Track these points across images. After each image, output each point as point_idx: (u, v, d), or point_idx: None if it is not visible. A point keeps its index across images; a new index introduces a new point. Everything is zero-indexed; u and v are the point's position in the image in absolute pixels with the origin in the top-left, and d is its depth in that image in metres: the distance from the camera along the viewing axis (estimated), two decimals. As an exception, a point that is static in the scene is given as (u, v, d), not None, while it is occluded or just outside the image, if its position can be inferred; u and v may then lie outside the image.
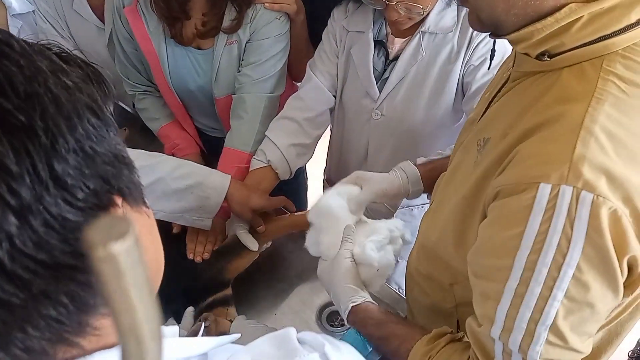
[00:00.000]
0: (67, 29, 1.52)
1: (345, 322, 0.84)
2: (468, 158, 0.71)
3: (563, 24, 0.57)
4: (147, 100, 1.48)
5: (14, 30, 1.52)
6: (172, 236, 1.21)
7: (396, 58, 1.16)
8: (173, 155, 1.44)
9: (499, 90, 0.72)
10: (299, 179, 1.66)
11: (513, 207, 0.58)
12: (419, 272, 0.84)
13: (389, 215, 1.13)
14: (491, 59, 0.84)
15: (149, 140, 1.59)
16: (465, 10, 1.10)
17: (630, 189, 0.53)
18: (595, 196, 0.53)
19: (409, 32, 1.14)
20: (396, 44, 1.16)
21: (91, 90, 0.34)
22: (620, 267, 0.55)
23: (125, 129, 1.60)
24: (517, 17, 0.60)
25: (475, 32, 1.09)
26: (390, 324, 0.80)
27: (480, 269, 0.65)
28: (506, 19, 0.61)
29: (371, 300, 0.84)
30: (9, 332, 0.30)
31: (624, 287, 0.58)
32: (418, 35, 1.12)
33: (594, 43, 0.58)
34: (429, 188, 0.97)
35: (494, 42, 0.83)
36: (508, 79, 0.70)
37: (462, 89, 1.15)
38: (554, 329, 0.58)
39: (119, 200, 0.34)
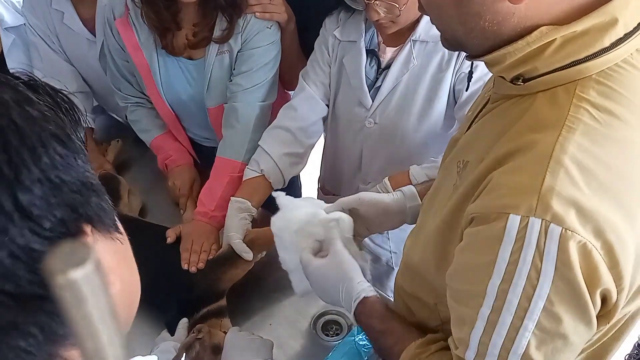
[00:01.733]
0: (57, 42, 1.51)
1: (352, 312, 0.83)
2: (448, 180, 0.71)
3: (534, 47, 0.56)
4: (139, 112, 1.48)
5: (6, 43, 1.52)
6: (166, 246, 1.21)
7: (388, 67, 1.16)
8: (166, 166, 1.46)
9: (480, 111, 0.71)
10: (293, 187, 1.66)
11: (484, 236, 0.58)
12: (404, 291, 0.84)
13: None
14: (468, 80, 0.85)
15: (142, 152, 1.59)
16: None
17: (601, 221, 0.52)
18: (564, 230, 0.52)
19: (400, 41, 1.15)
20: (388, 52, 1.17)
21: (58, 119, 0.34)
22: (592, 300, 0.55)
23: (118, 141, 1.59)
24: (478, 40, 0.60)
25: None
26: (393, 320, 0.81)
27: (456, 293, 0.65)
28: (468, 42, 0.61)
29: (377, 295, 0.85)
30: None
31: (600, 317, 0.57)
32: (409, 44, 1.13)
33: (567, 67, 0.57)
34: None
35: (472, 64, 0.84)
36: (489, 100, 0.69)
37: (454, 96, 1.15)
38: (526, 358, 0.57)
39: (87, 228, 0.34)
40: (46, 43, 1.51)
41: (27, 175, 0.30)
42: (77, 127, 0.35)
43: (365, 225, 0.99)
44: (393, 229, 1.02)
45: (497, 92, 0.66)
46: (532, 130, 0.57)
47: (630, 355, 1.03)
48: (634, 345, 1.11)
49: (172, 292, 1.14)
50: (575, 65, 0.56)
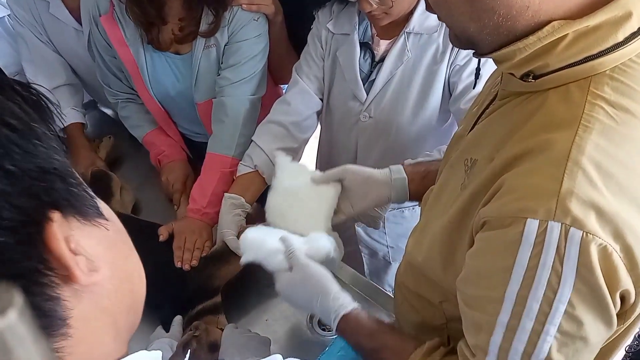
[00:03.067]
0: (45, 33, 1.49)
1: (333, 329, 0.81)
2: (455, 178, 0.70)
3: (546, 42, 0.55)
4: (129, 108, 1.47)
5: None
6: (159, 243, 1.20)
7: (382, 59, 1.15)
8: (159, 162, 1.44)
9: (487, 107, 0.70)
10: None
11: (500, 241, 0.57)
12: (407, 288, 0.83)
13: (378, 219, 1.12)
14: (476, 77, 0.82)
15: (134, 148, 1.58)
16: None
17: (620, 223, 0.52)
18: (585, 233, 0.51)
19: (394, 33, 1.13)
20: (382, 45, 1.15)
21: (17, 109, 0.33)
22: (612, 300, 0.54)
23: (110, 137, 1.58)
24: (491, 37, 0.58)
25: None
26: (383, 334, 0.78)
27: (470, 299, 0.63)
28: (480, 39, 0.59)
29: (358, 306, 0.82)
30: None
31: (617, 316, 0.57)
32: (403, 36, 1.12)
33: (580, 64, 0.55)
34: (416, 193, 0.95)
35: (479, 61, 0.81)
36: (496, 96, 0.68)
37: (448, 89, 1.14)
38: None
39: (54, 215, 0.33)
40: (33, 34, 1.49)
41: None
42: (46, 118, 0.35)
43: (350, 200, 0.97)
44: (377, 205, 1.00)
45: (505, 89, 0.65)
46: (546, 130, 0.56)
47: (630, 347, 1.04)
48: (634, 336, 1.12)
49: (166, 289, 1.13)
50: (588, 61, 0.55)
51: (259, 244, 0.91)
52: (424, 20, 1.10)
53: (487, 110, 0.69)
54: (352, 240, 1.40)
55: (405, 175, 0.94)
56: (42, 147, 0.33)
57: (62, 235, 0.33)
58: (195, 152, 1.50)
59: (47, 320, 0.32)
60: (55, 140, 0.35)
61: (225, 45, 1.26)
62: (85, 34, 1.39)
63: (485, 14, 0.56)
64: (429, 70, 1.13)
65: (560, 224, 0.52)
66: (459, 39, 0.63)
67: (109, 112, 1.79)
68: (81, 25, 1.43)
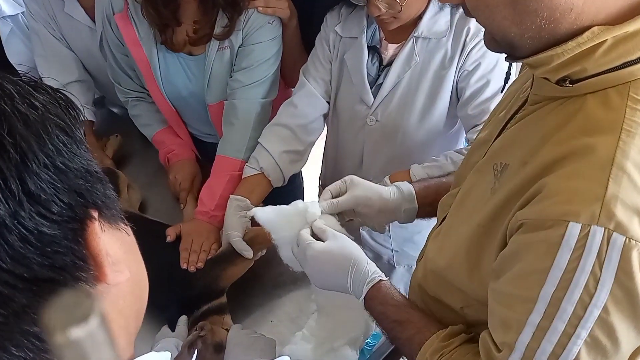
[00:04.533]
0: (59, 30, 1.52)
1: (362, 296, 0.81)
2: (483, 183, 0.70)
3: (585, 48, 0.55)
4: (140, 107, 1.48)
5: (4, 32, 1.53)
6: (166, 244, 1.21)
7: (390, 63, 1.16)
8: (168, 160, 1.46)
9: (516, 112, 0.70)
10: (295, 183, 1.65)
11: (539, 242, 0.57)
12: (425, 292, 0.83)
13: (382, 223, 1.13)
14: (506, 81, 0.82)
15: (142, 146, 1.60)
16: (458, 14, 1.11)
17: None
18: (627, 239, 0.52)
19: (402, 37, 1.14)
20: (390, 49, 1.16)
21: (59, 112, 0.35)
22: None
23: (117, 136, 1.60)
24: (532, 41, 0.58)
25: (469, 36, 1.09)
26: (410, 309, 0.79)
27: (502, 297, 0.64)
28: (521, 42, 0.59)
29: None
30: None
31: None
32: (411, 41, 1.12)
33: (619, 69, 0.55)
34: (424, 216, 0.97)
35: (510, 65, 0.80)
36: (526, 100, 0.68)
37: (456, 94, 1.15)
38: None
39: (95, 214, 0.35)
40: (47, 30, 1.51)
41: (33, 158, 0.31)
42: (76, 123, 0.36)
43: (363, 220, 0.99)
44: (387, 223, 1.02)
45: (537, 94, 0.65)
46: (586, 134, 0.56)
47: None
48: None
49: (172, 289, 1.14)
50: (627, 66, 0.55)
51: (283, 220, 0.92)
52: (432, 24, 1.11)
53: (517, 116, 0.69)
54: (357, 243, 1.41)
55: (416, 205, 0.96)
56: (83, 149, 0.36)
57: (99, 235, 0.35)
58: (205, 152, 1.52)
59: None
60: (86, 144, 0.37)
61: (239, 48, 1.27)
62: (97, 33, 1.42)
63: (528, 17, 0.56)
64: (436, 75, 1.13)
65: (603, 228, 0.52)
66: (498, 43, 0.62)
67: (116, 110, 1.81)
68: (95, 23, 1.45)
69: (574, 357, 0.57)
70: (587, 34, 0.55)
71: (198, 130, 1.54)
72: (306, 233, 0.88)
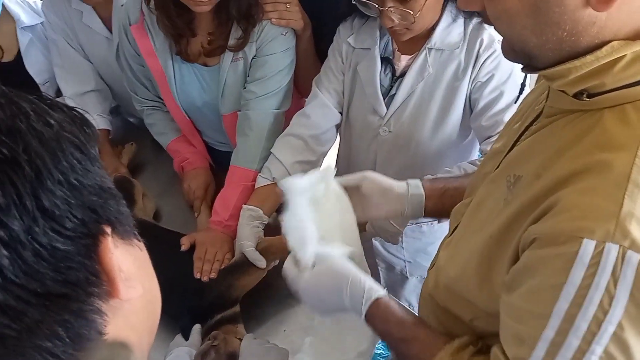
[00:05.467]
0: (76, 40, 1.55)
1: (363, 315, 0.78)
2: (496, 194, 0.70)
3: (603, 62, 0.55)
4: (155, 116, 1.51)
5: (23, 42, 1.57)
6: (180, 252, 1.23)
7: (403, 75, 1.17)
8: (182, 169, 1.48)
9: (531, 124, 0.70)
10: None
11: (553, 258, 0.57)
12: (435, 302, 0.82)
13: (396, 235, 1.14)
14: (520, 92, 0.83)
15: (156, 155, 1.62)
16: (471, 26, 1.12)
17: None
18: None
19: (415, 49, 1.15)
20: (402, 60, 1.17)
21: (73, 130, 0.36)
22: None
23: (132, 144, 1.62)
24: (552, 52, 0.58)
25: (482, 48, 1.10)
26: (414, 325, 0.77)
27: (515, 311, 0.63)
28: (540, 53, 0.59)
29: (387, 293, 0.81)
30: None
31: None
32: (424, 52, 1.13)
33: (638, 84, 0.55)
34: (432, 210, 0.96)
35: (525, 76, 0.80)
36: (541, 112, 0.68)
37: (469, 105, 1.15)
38: None
39: (108, 229, 0.36)
40: (65, 41, 1.55)
41: (47, 175, 0.32)
42: (91, 141, 0.37)
43: (363, 207, 0.96)
44: (389, 217, 1.00)
45: (553, 106, 0.65)
46: (602, 150, 0.56)
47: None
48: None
49: (185, 298, 1.16)
50: None
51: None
52: (445, 36, 1.12)
53: (532, 128, 0.69)
54: (369, 253, 1.41)
55: (422, 191, 0.95)
56: (97, 166, 0.37)
57: (113, 250, 0.36)
58: (219, 161, 1.53)
59: (89, 331, 0.34)
60: (100, 162, 0.38)
61: (252, 59, 1.29)
62: (114, 44, 1.45)
63: (549, 29, 0.56)
64: (450, 86, 1.14)
65: (618, 245, 0.52)
66: (516, 53, 0.62)
67: (132, 119, 1.84)
68: (112, 34, 1.48)
69: None
70: (606, 48, 0.55)
71: (212, 139, 1.55)
72: (291, 265, 0.86)
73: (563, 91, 0.61)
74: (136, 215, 1.35)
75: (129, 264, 0.38)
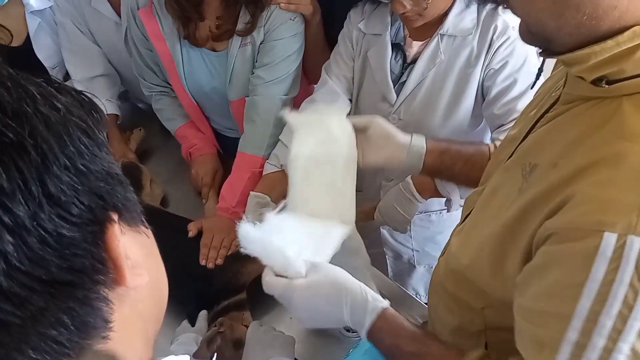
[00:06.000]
0: (85, 24, 1.55)
1: (366, 328, 0.74)
2: (510, 182, 0.69)
3: (624, 48, 0.54)
4: (163, 101, 1.51)
5: (32, 27, 1.57)
6: (188, 239, 1.24)
7: (414, 61, 1.15)
8: (190, 155, 1.48)
9: (547, 111, 0.69)
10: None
11: (572, 254, 0.55)
12: (445, 290, 0.81)
13: (404, 223, 1.13)
14: (537, 77, 0.80)
15: (164, 140, 1.63)
16: (485, 12, 1.10)
17: None
18: None
19: (427, 35, 1.13)
20: (414, 47, 1.16)
21: (81, 114, 0.35)
22: None
23: (140, 129, 1.63)
24: (570, 37, 0.57)
25: (496, 34, 1.08)
26: (426, 339, 0.74)
27: (532, 315, 0.62)
28: (558, 37, 0.58)
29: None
30: (7, 354, 0.30)
31: None
32: (436, 38, 1.12)
33: None
34: (430, 167, 0.95)
35: (543, 60, 0.77)
36: (557, 99, 0.67)
37: (482, 93, 1.13)
38: None
39: (115, 216, 0.35)
40: (74, 25, 1.55)
41: (54, 160, 0.31)
42: (99, 126, 0.37)
43: (363, 149, 0.93)
44: (387, 164, 0.97)
45: (570, 93, 0.64)
46: (621, 140, 0.55)
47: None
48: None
49: (192, 284, 1.16)
50: None
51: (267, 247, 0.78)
52: (458, 22, 1.10)
53: (548, 115, 0.68)
54: (377, 242, 1.41)
55: (424, 144, 0.95)
56: (105, 151, 0.36)
57: (119, 237, 0.35)
58: (227, 147, 1.54)
59: (94, 320, 0.34)
60: (107, 147, 0.37)
61: (260, 44, 1.28)
62: (123, 28, 1.44)
63: (568, 12, 0.55)
64: (462, 73, 1.12)
65: None
66: (534, 36, 0.61)
67: (140, 105, 1.84)
68: (121, 19, 1.48)
69: None
70: (628, 33, 0.53)
71: (220, 124, 1.55)
72: (272, 276, 0.79)
73: (581, 77, 0.60)
74: (143, 201, 1.36)
75: (135, 251, 0.37)
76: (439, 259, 0.89)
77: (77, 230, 0.32)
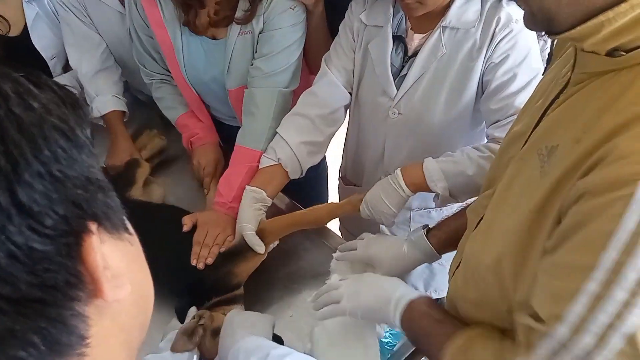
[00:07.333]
0: (87, 16, 1.56)
1: (399, 314, 0.85)
2: (528, 170, 0.69)
3: (639, 10, 0.53)
4: (163, 89, 1.52)
5: (30, 16, 1.57)
6: (181, 233, 1.23)
7: (415, 54, 1.15)
8: (191, 144, 1.49)
9: (556, 97, 0.68)
10: (319, 170, 1.67)
11: (606, 205, 0.54)
12: (466, 300, 0.82)
13: (390, 217, 1.13)
14: (548, 62, 0.80)
15: (166, 132, 1.62)
16: (489, 3, 1.08)
17: None
18: None
19: (429, 27, 1.13)
20: (415, 39, 1.15)
21: (62, 112, 0.33)
22: None
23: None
24: (569, 9, 0.57)
25: (499, 27, 1.06)
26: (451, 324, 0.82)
27: (556, 268, 0.61)
28: (558, 11, 0.58)
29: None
30: None
31: None
32: (438, 30, 1.10)
33: None
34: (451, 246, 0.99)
35: (552, 43, 0.78)
36: (567, 83, 0.67)
37: (482, 87, 1.12)
38: (631, 338, 0.54)
39: (93, 226, 0.33)
40: (77, 18, 1.56)
41: (26, 168, 0.29)
42: (82, 124, 0.35)
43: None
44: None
45: (582, 72, 0.64)
46: None
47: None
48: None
49: (183, 279, 1.16)
50: None
51: None
52: (462, 14, 1.09)
53: (559, 100, 0.68)
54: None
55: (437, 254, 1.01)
56: (84, 154, 0.34)
57: (97, 248, 0.33)
58: (228, 136, 1.53)
59: (69, 338, 0.32)
60: (90, 148, 0.35)
61: (259, 33, 1.28)
62: (127, 18, 1.45)
63: None
64: (463, 66, 1.11)
65: None
66: (536, 16, 0.62)
67: (141, 97, 1.84)
68: (125, 8, 1.48)
69: (631, 329, 0.54)
70: None
71: (221, 113, 1.56)
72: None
73: (594, 53, 0.59)
74: (131, 196, 1.35)
75: (117, 261, 0.35)
76: (451, 275, 0.90)
77: (51, 243, 0.30)
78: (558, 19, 0.58)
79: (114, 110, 1.57)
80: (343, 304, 0.92)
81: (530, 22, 0.63)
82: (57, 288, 0.31)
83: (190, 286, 1.16)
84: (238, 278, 1.16)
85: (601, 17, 0.55)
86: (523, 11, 0.64)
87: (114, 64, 1.64)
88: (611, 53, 0.57)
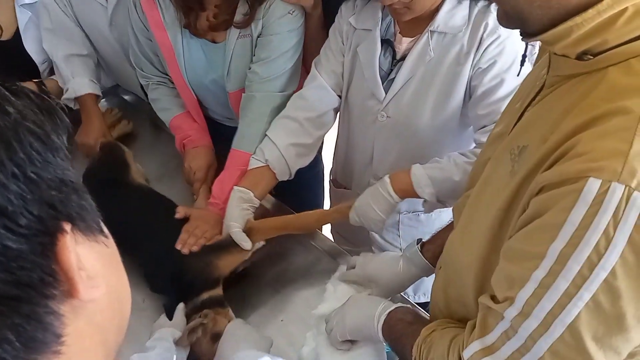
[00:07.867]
0: (69, 6, 1.58)
1: (381, 326, 0.90)
2: (500, 169, 0.71)
3: (605, 17, 0.55)
4: (159, 91, 1.53)
5: (22, 21, 1.59)
6: (173, 222, 1.24)
7: (403, 58, 1.16)
8: (183, 146, 1.49)
9: (533, 99, 0.71)
10: (315, 171, 1.68)
11: (557, 198, 0.57)
12: (447, 298, 0.85)
13: (379, 223, 1.15)
14: (522, 64, 0.83)
15: (156, 136, 1.64)
16: (477, 9, 1.10)
17: None
18: None
19: (417, 31, 1.14)
20: (404, 43, 1.17)
21: (38, 118, 0.35)
22: None
23: (129, 122, 1.65)
24: (541, 10, 0.59)
25: (486, 32, 1.08)
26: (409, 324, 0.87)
27: (511, 253, 0.64)
28: (530, 12, 0.59)
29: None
30: None
31: None
32: (426, 35, 1.12)
33: None
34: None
35: (526, 46, 0.81)
36: (543, 86, 0.69)
37: (469, 92, 1.14)
38: (573, 329, 0.57)
39: (67, 227, 0.34)
40: (57, 5, 1.57)
41: (0, 169, 0.30)
42: (58, 130, 0.36)
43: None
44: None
45: (555, 75, 0.66)
46: (611, 100, 0.57)
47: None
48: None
49: (169, 270, 1.17)
50: None
51: None
52: (449, 18, 1.11)
53: (534, 102, 0.70)
54: (365, 241, 1.42)
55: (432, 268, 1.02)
56: (59, 158, 0.35)
57: (72, 248, 0.34)
58: (225, 136, 1.51)
59: (44, 335, 0.32)
60: (65, 152, 0.36)
61: (258, 37, 1.30)
62: (109, 10, 1.46)
63: None
64: (451, 71, 1.13)
65: (624, 186, 0.52)
66: (508, 15, 0.64)
67: (128, 97, 1.85)
68: (107, 1, 1.51)
69: (572, 319, 0.57)
70: (607, 1, 0.55)
71: (219, 114, 1.58)
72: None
73: (565, 56, 0.62)
74: (134, 179, 1.38)
75: (92, 262, 0.36)
76: (435, 273, 0.93)
77: (25, 241, 0.31)
78: (531, 19, 0.60)
79: (88, 93, 1.58)
80: (334, 332, 0.99)
81: (504, 19, 0.65)
82: (31, 286, 0.32)
83: (175, 278, 1.16)
84: (219, 271, 1.16)
85: (569, 23, 0.57)
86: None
87: (90, 51, 1.65)
88: (581, 57, 0.60)
